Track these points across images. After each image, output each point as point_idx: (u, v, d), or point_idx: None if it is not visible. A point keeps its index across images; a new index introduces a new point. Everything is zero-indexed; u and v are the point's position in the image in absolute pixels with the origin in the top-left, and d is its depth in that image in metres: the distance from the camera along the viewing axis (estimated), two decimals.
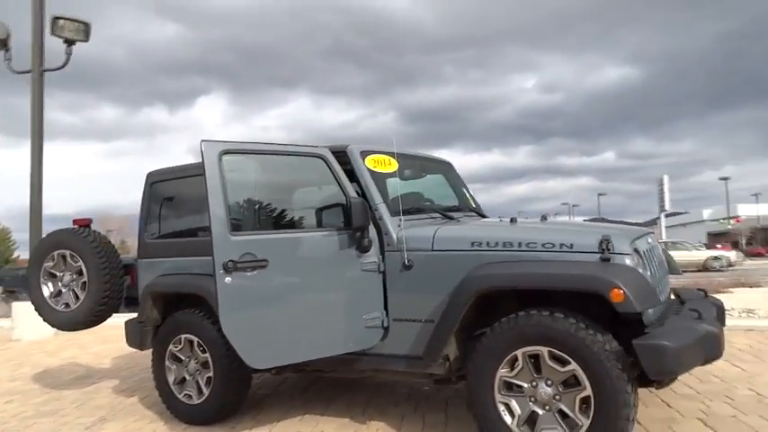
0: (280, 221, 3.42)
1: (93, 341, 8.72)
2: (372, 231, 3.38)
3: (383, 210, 3.44)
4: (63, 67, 9.95)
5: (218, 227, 3.00)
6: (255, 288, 3.06)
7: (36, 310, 4.78)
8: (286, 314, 3.18)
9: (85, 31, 9.79)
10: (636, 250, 3.02)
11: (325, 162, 3.40)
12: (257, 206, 3.36)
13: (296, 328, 3.19)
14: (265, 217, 3.38)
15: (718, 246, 47.81)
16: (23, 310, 9.35)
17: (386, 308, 3.39)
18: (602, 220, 5.40)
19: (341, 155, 3.57)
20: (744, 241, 54.24)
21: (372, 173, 3.58)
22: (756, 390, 4.06)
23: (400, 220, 3.38)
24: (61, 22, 9.50)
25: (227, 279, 2.96)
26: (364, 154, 3.64)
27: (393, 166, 3.76)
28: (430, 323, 3.24)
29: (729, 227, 56.52)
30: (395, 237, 3.37)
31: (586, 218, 3.87)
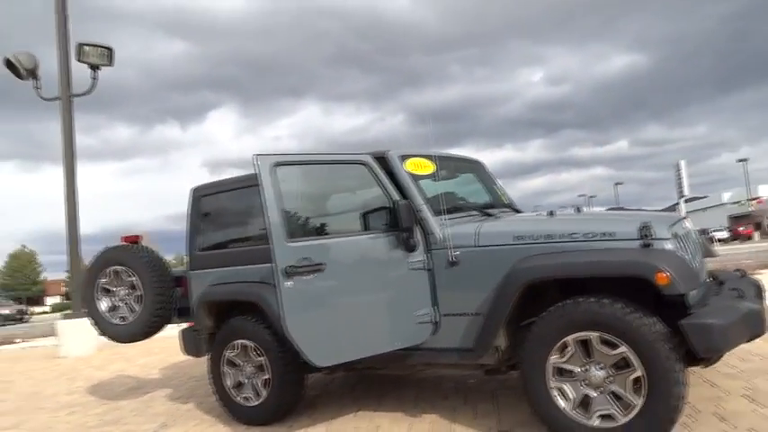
0: (331, 227, 3.60)
1: (138, 354, 9.00)
2: (416, 231, 3.54)
3: (426, 210, 3.60)
4: (90, 91, 10.29)
5: (276, 234, 3.18)
6: (314, 290, 3.23)
7: (93, 325, 5.00)
8: (343, 314, 3.35)
9: (109, 55, 10.14)
10: (674, 235, 3.14)
11: (369, 168, 3.58)
12: (310, 213, 3.54)
13: (353, 327, 3.36)
14: (318, 223, 3.56)
15: (741, 228, 47.22)
16: (69, 327, 9.71)
17: (435, 304, 3.55)
18: (621, 209, 5.48)
19: (380, 160, 3.74)
20: (766, 222, 53.47)
21: (412, 175, 3.75)
22: None
23: (444, 219, 3.54)
24: (86, 48, 9.84)
25: (288, 283, 3.14)
26: (403, 158, 3.80)
27: (430, 168, 3.92)
28: (478, 316, 3.39)
29: (751, 209, 55.72)
30: (439, 235, 3.52)
31: (605, 208, 3.96)
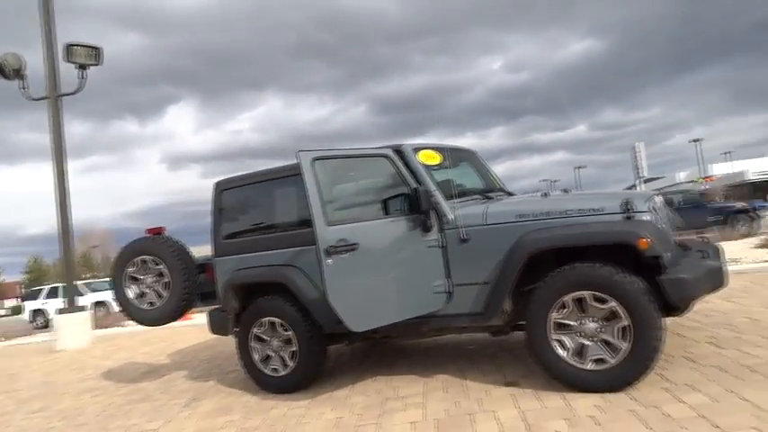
0: (361, 211, 4.09)
1: (138, 344, 9.34)
2: (432, 214, 4.07)
3: (438, 195, 4.13)
4: (78, 91, 10.45)
5: (318, 220, 3.66)
6: (350, 266, 3.73)
7: (122, 310, 5.41)
8: (374, 286, 3.86)
9: (97, 55, 10.29)
10: (650, 208, 3.75)
11: (390, 160, 4.09)
12: (343, 200, 4.03)
13: (382, 297, 3.87)
14: (350, 209, 4.05)
15: None
16: (64, 321, 9.96)
17: (448, 276, 4.09)
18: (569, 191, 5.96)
19: (397, 153, 4.25)
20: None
21: (424, 165, 4.27)
22: (751, 317, 4.87)
23: (455, 203, 4.08)
24: (75, 48, 9.99)
25: (329, 261, 3.63)
26: (416, 150, 4.32)
27: (438, 158, 4.45)
28: (487, 284, 3.94)
29: (705, 187, 58.07)
30: (451, 216, 4.06)
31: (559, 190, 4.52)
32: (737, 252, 10.14)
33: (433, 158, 4.39)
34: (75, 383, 6.69)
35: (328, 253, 3.62)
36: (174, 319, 5.32)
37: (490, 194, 4.63)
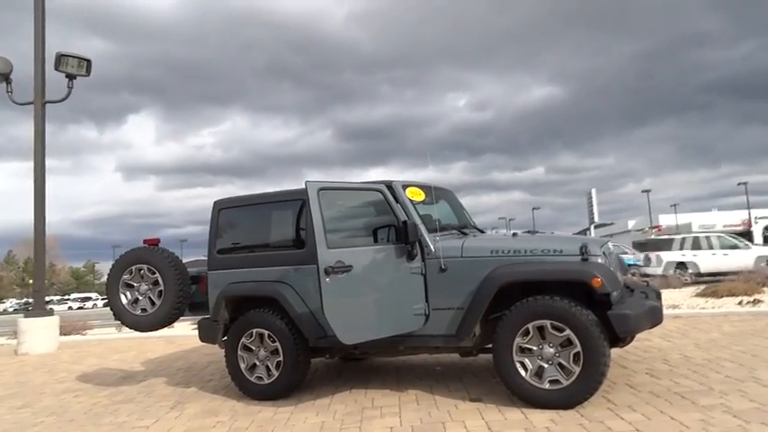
0: (357, 237, 4.60)
1: (107, 351, 9.49)
2: (416, 245, 4.61)
3: (423, 229, 4.68)
4: (65, 99, 10.70)
5: (320, 243, 4.15)
6: (345, 285, 4.21)
7: (115, 315, 5.71)
8: (364, 304, 4.35)
9: (87, 67, 10.60)
10: (603, 253, 4.39)
11: (382, 194, 4.64)
12: (341, 227, 4.53)
13: (370, 314, 4.37)
14: (347, 234, 4.56)
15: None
16: (29, 326, 10.01)
17: (427, 300, 4.62)
18: (535, 232, 6.62)
19: (388, 187, 4.80)
20: None
21: (411, 201, 4.83)
22: (683, 354, 5.56)
23: (437, 236, 4.64)
24: (66, 58, 10.28)
25: (327, 279, 4.11)
26: (404, 187, 4.88)
27: (422, 195, 5.03)
28: (461, 310, 4.49)
29: (652, 236, 60.59)
30: (432, 248, 4.61)
31: (523, 231, 5.09)
32: (679, 299, 11.03)
33: (419, 195, 4.96)
34: (52, 384, 6.85)
35: (327, 272, 4.11)
36: (165, 325, 5.67)
37: (465, 230, 5.22)
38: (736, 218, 65.32)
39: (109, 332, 12.93)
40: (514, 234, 4.82)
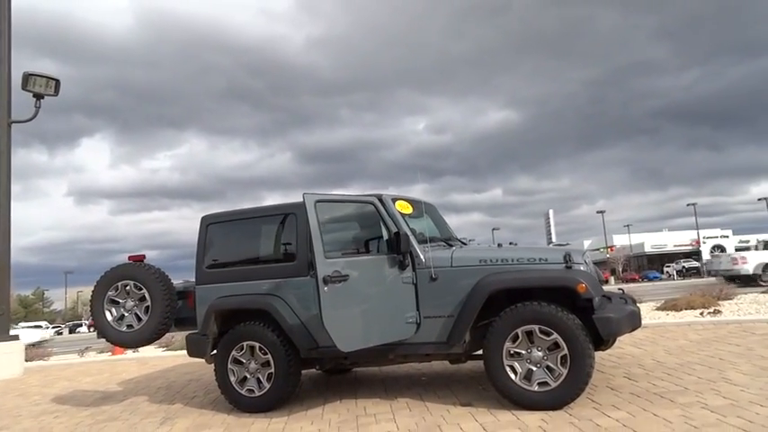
0: (353, 248, 4.73)
1: (77, 374, 9.26)
2: (407, 255, 4.77)
3: (413, 240, 4.86)
4: (32, 119, 10.55)
5: (318, 253, 4.27)
6: (341, 294, 4.34)
7: (100, 332, 5.67)
8: (360, 312, 4.48)
9: (55, 86, 10.50)
10: (584, 261, 4.65)
11: (375, 207, 4.80)
12: (337, 237, 4.66)
13: (366, 322, 4.49)
14: (343, 245, 4.69)
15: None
16: None
17: (418, 309, 4.77)
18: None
19: (379, 200, 4.97)
20: (620, 268, 60.18)
21: (401, 214, 5.01)
22: (656, 359, 5.85)
23: (427, 247, 4.82)
24: (34, 78, 10.17)
25: (326, 288, 4.23)
26: (394, 200, 5.06)
27: (410, 208, 5.21)
28: (451, 317, 4.66)
29: (607, 256, 62.37)
30: (423, 258, 4.79)
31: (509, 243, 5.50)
32: (643, 312, 11.48)
33: (407, 208, 5.15)
34: (27, 407, 6.67)
35: (325, 281, 4.23)
36: (151, 341, 5.65)
37: (450, 242, 5.42)
38: (685, 238, 68.02)
39: (71, 358, 12.58)
40: (499, 245, 5.04)
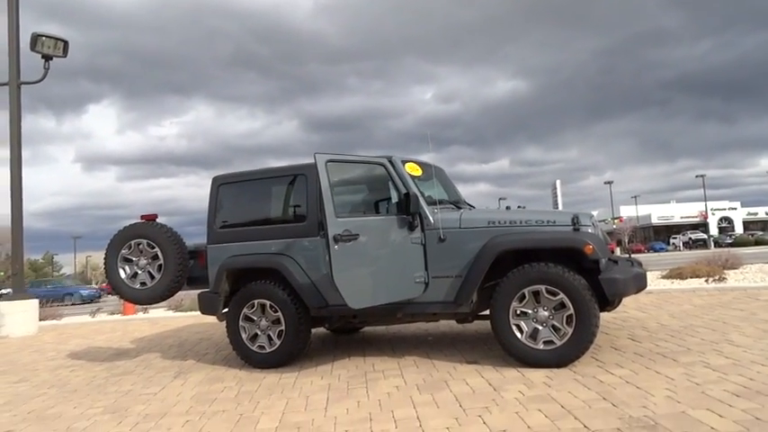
0: (362, 208, 4.79)
1: (90, 333, 9.47)
2: (416, 216, 4.83)
3: (422, 201, 4.91)
4: (41, 80, 10.55)
5: (329, 212, 4.33)
6: (352, 253, 4.41)
7: (114, 289, 5.79)
8: (369, 271, 4.56)
9: (64, 47, 10.46)
10: (592, 224, 4.69)
11: (385, 168, 4.84)
12: (348, 197, 4.71)
13: (375, 281, 4.57)
14: (353, 204, 4.74)
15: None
16: (8, 309, 9.90)
17: (426, 269, 4.85)
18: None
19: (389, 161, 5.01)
20: (626, 239, 60.15)
21: (410, 176, 5.05)
22: (660, 322, 5.94)
23: (436, 208, 4.87)
24: (42, 39, 10.14)
25: (336, 246, 4.30)
26: (404, 162, 5.09)
27: (420, 171, 5.25)
28: (459, 278, 4.73)
29: (614, 227, 62.27)
30: (432, 219, 4.84)
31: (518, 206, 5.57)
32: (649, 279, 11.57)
33: (416, 170, 5.18)
34: (43, 362, 6.86)
35: (335, 240, 4.30)
36: (164, 299, 5.77)
37: (458, 205, 5.47)
38: (693, 209, 67.75)
39: (83, 318, 12.81)
40: (508, 208, 5.09)
